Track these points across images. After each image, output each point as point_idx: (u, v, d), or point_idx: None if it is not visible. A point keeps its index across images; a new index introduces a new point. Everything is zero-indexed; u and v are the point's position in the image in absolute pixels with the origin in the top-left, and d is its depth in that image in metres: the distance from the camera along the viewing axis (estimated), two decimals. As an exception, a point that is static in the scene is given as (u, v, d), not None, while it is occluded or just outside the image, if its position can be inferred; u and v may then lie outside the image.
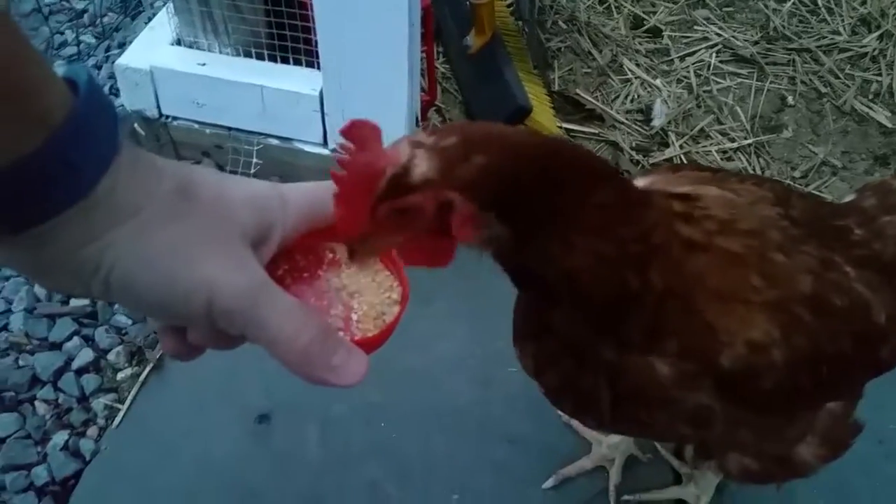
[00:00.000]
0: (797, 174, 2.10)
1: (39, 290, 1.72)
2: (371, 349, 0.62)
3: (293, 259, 0.66)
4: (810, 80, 2.32)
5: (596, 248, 0.76)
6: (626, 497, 1.45)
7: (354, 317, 0.65)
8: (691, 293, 0.86)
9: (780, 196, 1.02)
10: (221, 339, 0.57)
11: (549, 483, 1.46)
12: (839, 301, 0.94)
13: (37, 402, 1.57)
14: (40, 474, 1.47)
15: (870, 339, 0.99)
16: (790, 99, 2.28)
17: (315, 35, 1.66)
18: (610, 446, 1.48)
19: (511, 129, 0.76)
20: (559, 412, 1.37)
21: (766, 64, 2.35)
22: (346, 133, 0.65)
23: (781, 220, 0.97)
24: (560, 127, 2.12)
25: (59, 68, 0.49)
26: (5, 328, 1.67)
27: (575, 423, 1.50)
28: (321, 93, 1.74)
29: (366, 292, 0.67)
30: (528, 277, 0.83)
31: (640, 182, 1.03)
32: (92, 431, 1.53)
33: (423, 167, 0.67)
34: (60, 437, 1.51)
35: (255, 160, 1.85)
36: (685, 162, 2.10)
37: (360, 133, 0.65)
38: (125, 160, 0.51)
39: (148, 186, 0.52)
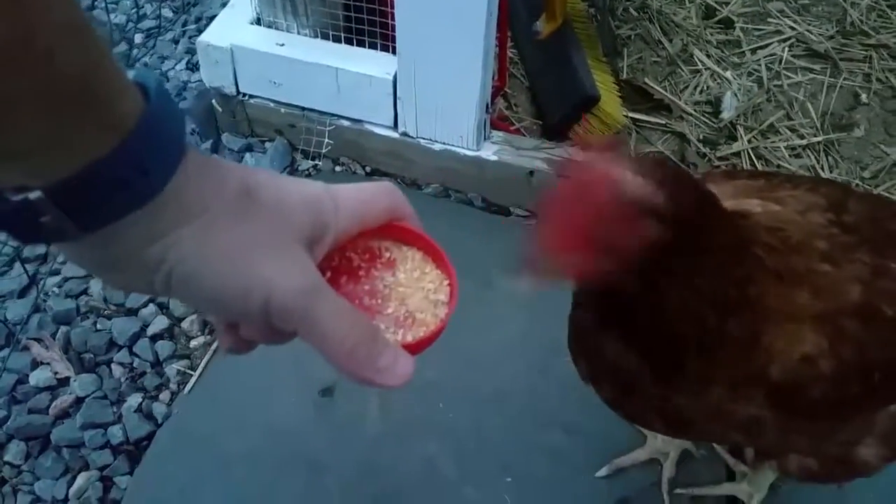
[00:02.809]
0: (867, 174, 2.06)
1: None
2: (418, 351, 0.64)
3: (348, 258, 0.67)
4: (886, 77, 2.26)
5: (705, 286, 0.80)
6: (678, 490, 1.46)
7: (405, 317, 0.66)
8: (754, 320, 0.88)
9: (833, 201, 1.01)
10: (274, 334, 0.59)
11: (602, 472, 1.48)
12: (890, 310, 0.94)
13: (113, 365, 1.63)
14: (116, 434, 1.54)
15: None
16: (864, 97, 2.23)
17: (391, 20, 1.67)
18: (665, 440, 1.49)
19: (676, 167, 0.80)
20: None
21: (841, 59, 2.30)
22: (578, 149, 0.68)
23: (830, 227, 0.97)
24: (627, 116, 2.11)
25: (130, 73, 0.51)
26: (85, 292, 1.73)
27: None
28: (395, 76, 1.75)
29: (417, 292, 0.67)
30: (610, 304, 0.85)
31: None
32: (164, 396, 1.60)
33: (659, 196, 0.69)
34: (135, 400, 1.58)
35: (326, 140, 1.88)
36: (752, 157, 2.08)
37: (594, 153, 0.67)
38: (192, 162, 0.52)
39: (214, 188, 0.53)
